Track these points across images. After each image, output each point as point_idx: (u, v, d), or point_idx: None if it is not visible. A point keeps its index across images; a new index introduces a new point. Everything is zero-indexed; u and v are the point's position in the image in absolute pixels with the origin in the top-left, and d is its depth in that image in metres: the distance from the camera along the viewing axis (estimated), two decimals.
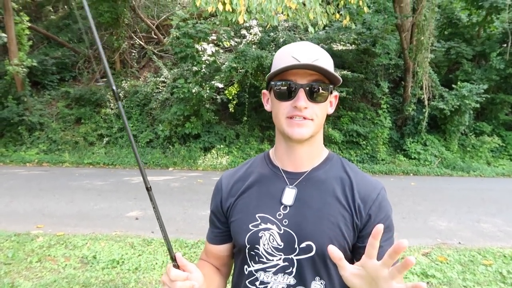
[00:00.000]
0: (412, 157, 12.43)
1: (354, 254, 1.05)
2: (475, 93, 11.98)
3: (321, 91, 0.98)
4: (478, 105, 12.26)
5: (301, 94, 0.96)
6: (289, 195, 1.05)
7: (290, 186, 1.06)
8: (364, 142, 12.66)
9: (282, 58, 0.99)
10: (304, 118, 0.98)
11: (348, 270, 0.81)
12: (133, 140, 0.90)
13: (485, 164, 12.78)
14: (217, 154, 11.84)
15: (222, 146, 12.14)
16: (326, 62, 0.99)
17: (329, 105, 1.07)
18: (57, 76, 14.98)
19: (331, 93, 1.02)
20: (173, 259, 0.93)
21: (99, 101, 13.65)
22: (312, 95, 0.97)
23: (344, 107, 13.25)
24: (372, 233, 0.76)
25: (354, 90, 12.78)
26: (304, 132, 0.99)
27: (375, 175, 11.13)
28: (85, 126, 13.08)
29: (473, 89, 11.98)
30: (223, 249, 1.18)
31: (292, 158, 1.08)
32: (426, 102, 12.41)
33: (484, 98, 12.24)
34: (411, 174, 11.31)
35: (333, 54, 12.85)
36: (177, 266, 0.93)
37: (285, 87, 0.98)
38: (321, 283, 1.02)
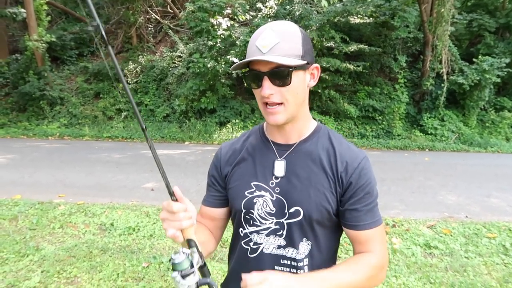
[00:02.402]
0: (429, 132, 12.29)
1: (339, 218, 1.15)
2: (497, 67, 11.64)
3: (284, 75, 1.02)
4: (499, 80, 11.94)
5: (265, 82, 1.03)
6: (279, 167, 1.15)
7: (279, 159, 1.16)
8: (380, 117, 12.56)
9: (250, 46, 1.06)
10: (276, 104, 1.05)
11: None
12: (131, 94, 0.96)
13: (504, 140, 12.55)
14: (232, 129, 11.98)
15: (237, 120, 12.26)
16: (289, 44, 1.02)
17: (309, 78, 1.11)
18: (75, 51, 15.25)
19: (304, 69, 1.06)
20: (172, 194, 0.97)
21: (117, 76, 13.83)
22: (276, 81, 1.03)
23: (361, 81, 13.10)
24: None
25: (371, 64, 12.59)
26: (277, 118, 1.07)
27: (390, 150, 11.12)
28: (104, 101, 13.38)
29: (495, 63, 11.63)
30: (219, 212, 1.29)
31: (281, 133, 1.17)
32: (445, 77, 12.14)
33: (506, 72, 11.88)
34: (427, 150, 11.24)
35: (351, 27, 12.64)
36: (175, 200, 0.96)
37: (252, 77, 1.06)
38: (308, 243, 1.14)
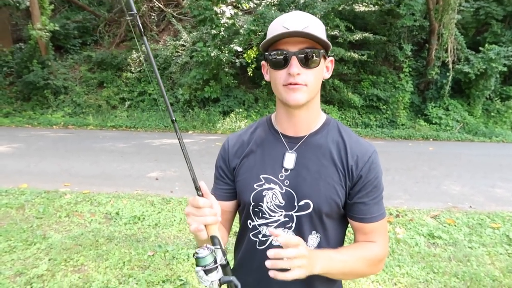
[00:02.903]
0: (433, 122, 12.24)
1: (345, 210, 1.16)
2: (503, 56, 11.52)
3: (313, 57, 1.04)
4: (505, 69, 11.83)
5: (294, 61, 1.02)
6: (289, 159, 1.15)
7: (290, 151, 1.15)
8: (384, 106, 12.51)
9: (274, 28, 1.05)
10: (299, 84, 1.04)
11: None
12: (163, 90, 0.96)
13: (509, 129, 12.48)
14: (236, 118, 11.98)
15: (241, 110, 12.24)
16: (317, 29, 1.04)
17: (325, 70, 1.13)
18: (79, 40, 15.20)
19: (324, 58, 1.09)
20: (198, 188, 0.98)
21: (120, 65, 13.84)
22: (305, 62, 1.03)
23: (365, 70, 13.01)
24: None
25: (375, 53, 12.48)
26: (299, 98, 1.05)
27: (393, 140, 11.09)
28: (108, 90, 13.37)
29: (501, 51, 11.51)
30: (229, 205, 1.27)
31: (291, 123, 1.16)
32: (450, 66, 12.04)
33: None
34: (431, 139, 11.20)
35: (355, 15, 12.50)
36: (201, 195, 0.98)
37: (279, 56, 1.05)
38: (317, 236, 1.15)
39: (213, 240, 0.98)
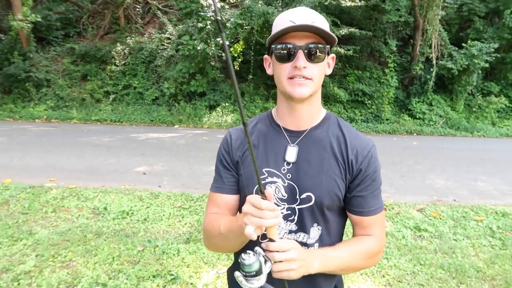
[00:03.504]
0: (417, 117, 12.45)
1: (345, 204, 1.18)
2: (485, 52, 11.76)
3: (318, 52, 1.05)
4: (487, 65, 12.07)
5: (300, 55, 1.04)
6: (291, 153, 1.16)
7: (292, 145, 1.16)
8: (369, 101, 12.65)
9: (281, 22, 1.06)
10: (304, 78, 1.06)
11: None
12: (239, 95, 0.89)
13: (490, 124, 12.79)
14: (222, 112, 11.95)
15: (227, 104, 12.21)
16: (322, 24, 1.05)
17: (326, 66, 1.14)
18: (61, 32, 14.86)
19: (328, 54, 1.10)
20: (262, 192, 0.92)
21: (105, 57, 13.62)
22: (310, 56, 1.05)
23: (351, 65, 13.11)
24: None
25: (361, 48, 12.59)
26: (304, 91, 1.07)
27: (378, 134, 11.24)
28: (91, 83, 13.15)
29: (483, 48, 11.74)
30: (237, 198, 1.25)
31: (293, 117, 1.17)
32: (434, 61, 12.24)
33: (494, 58, 12.03)
34: (415, 134, 11.39)
35: (341, 10, 12.55)
36: (264, 199, 0.93)
37: (285, 50, 1.06)
38: (319, 228, 1.16)
39: (261, 245, 0.96)
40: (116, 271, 3.19)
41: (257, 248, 0.95)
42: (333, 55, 1.15)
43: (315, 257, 1.03)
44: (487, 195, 5.48)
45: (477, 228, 4.23)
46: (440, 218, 4.45)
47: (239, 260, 0.91)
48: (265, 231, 0.95)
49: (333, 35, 1.04)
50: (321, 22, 1.06)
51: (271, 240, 0.95)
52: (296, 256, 0.95)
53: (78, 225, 4.01)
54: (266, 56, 1.18)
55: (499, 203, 5.11)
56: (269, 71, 1.17)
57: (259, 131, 1.23)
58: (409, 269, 3.35)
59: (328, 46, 1.07)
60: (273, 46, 1.09)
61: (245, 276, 0.90)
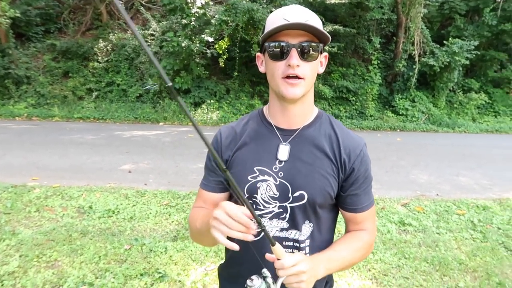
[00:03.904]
0: (400, 113, 12.64)
1: (338, 201, 1.20)
2: (466, 50, 12.01)
3: (312, 50, 1.05)
4: (468, 62, 12.33)
5: (294, 53, 1.04)
6: (283, 151, 1.16)
7: (284, 143, 1.17)
8: (353, 98, 12.78)
9: (274, 20, 1.06)
10: (298, 77, 1.06)
11: None
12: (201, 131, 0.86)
13: (471, 120, 13.08)
14: (208, 110, 11.89)
15: (212, 101, 12.16)
16: (316, 23, 1.06)
17: (319, 65, 1.14)
18: (41, 27, 14.49)
19: (321, 52, 1.10)
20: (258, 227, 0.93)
21: (87, 54, 13.38)
22: (304, 54, 1.05)
23: (335, 62, 13.21)
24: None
25: (345, 45, 12.68)
26: (297, 92, 1.07)
27: (363, 131, 11.37)
28: (73, 80, 12.90)
29: (464, 45, 11.98)
30: (222, 197, 1.26)
31: (285, 116, 1.17)
32: (416, 58, 12.44)
33: (474, 55, 12.29)
34: (398, 130, 11.57)
35: (326, 7, 12.63)
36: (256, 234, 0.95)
37: (278, 48, 1.05)
38: (310, 225, 1.17)
39: (267, 265, 0.99)
40: (102, 270, 3.16)
41: (264, 270, 0.97)
42: (326, 53, 1.15)
43: (320, 264, 1.05)
44: (469, 190, 5.61)
45: (459, 222, 4.34)
46: (424, 213, 4.55)
47: (245, 286, 0.94)
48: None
49: (327, 33, 1.05)
50: (315, 20, 1.06)
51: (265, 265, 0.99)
52: (305, 268, 0.96)
53: (63, 224, 3.95)
54: (258, 54, 1.18)
55: (480, 197, 5.25)
56: (261, 69, 1.18)
57: (251, 129, 1.23)
58: (394, 263, 3.42)
59: (321, 45, 1.07)
60: (266, 44, 1.09)
61: None
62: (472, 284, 3.14)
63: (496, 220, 4.41)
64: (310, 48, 1.05)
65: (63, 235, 3.70)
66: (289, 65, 1.04)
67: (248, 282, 0.93)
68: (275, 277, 0.97)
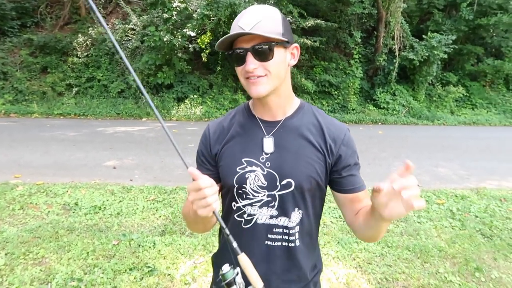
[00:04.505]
0: (381, 106, 12.86)
1: (332, 185, 1.26)
2: (444, 44, 12.28)
3: (266, 51, 1.08)
4: (446, 56, 12.62)
5: (249, 58, 1.09)
6: (268, 144, 1.21)
7: (267, 136, 1.22)
8: (336, 92, 12.92)
9: (232, 28, 1.11)
10: (258, 76, 1.11)
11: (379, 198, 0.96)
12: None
13: (449, 113, 13.41)
14: (191, 105, 11.84)
15: (195, 96, 12.11)
16: (268, 23, 1.08)
17: (290, 57, 1.18)
18: (17, 22, 14.08)
19: (284, 47, 1.13)
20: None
21: (65, 49, 13.09)
22: (259, 56, 1.09)
23: (317, 56, 13.32)
24: (404, 167, 0.88)
25: (327, 39, 12.80)
26: (260, 89, 1.12)
27: (345, 124, 11.50)
28: (52, 76, 12.62)
29: (442, 39, 12.26)
30: None
31: (266, 109, 1.23)
32: (397, 53, 12.66)
33: (452, 49, 12.58)
34: (380, 123, 11.78)
35: (307, 2, 12.70)
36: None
37: (237, 55, 1.12)
38: (299, 212, 1.22)
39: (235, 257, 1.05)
40: (91, 266, 3.17)
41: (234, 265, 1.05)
42: (296, 44, 1.18)
43: None
44: (447, 180, 5.80)
45: (439, 211, 4.49)
46: None
47: (219, 274, 1.03)
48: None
49: (272, 36, 1.06)
50: (267, 20, 1.08)
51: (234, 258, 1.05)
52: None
53: (48, 221, 3.92)
54: None
55: (458, 186, 5.44)
56: None
57: (238, 123, 1.28)
58: (377, 252, 3.53)
59: (275, 43, 1.09)
60: (226, 53, 1.16)
61: (226, 284, 1.03)
62: (451, 269, 3.28)
63: (474, 208, 4.60)
64: (265, 49, 1.08)
65: (49, 232, 3.68)
66: (246, 70, 1.10)
67: (223, 267, 1.02)
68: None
